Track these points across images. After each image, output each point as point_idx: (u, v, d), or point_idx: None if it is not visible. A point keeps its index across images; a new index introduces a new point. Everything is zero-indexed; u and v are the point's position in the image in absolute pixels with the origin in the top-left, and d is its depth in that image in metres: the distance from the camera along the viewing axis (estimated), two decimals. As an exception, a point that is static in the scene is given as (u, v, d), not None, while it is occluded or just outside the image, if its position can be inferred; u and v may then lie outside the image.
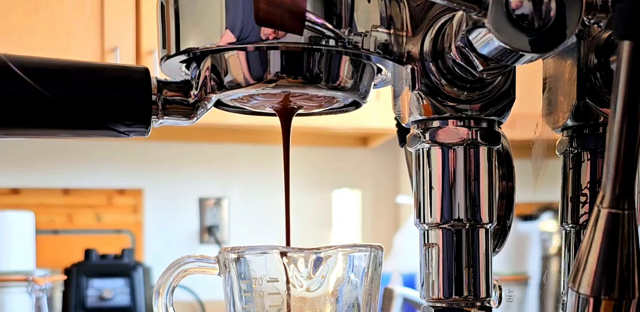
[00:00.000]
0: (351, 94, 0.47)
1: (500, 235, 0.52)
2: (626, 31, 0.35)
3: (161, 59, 0.47)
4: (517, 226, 1.79)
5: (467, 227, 0.47)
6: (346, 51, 0.45)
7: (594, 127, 0.49)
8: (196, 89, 0.47)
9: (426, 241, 0.48)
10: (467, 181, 0.46)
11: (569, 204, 0.51)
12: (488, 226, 0.47)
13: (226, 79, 0.46)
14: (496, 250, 0.52)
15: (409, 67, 0.46)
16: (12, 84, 0.44)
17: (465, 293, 0.47)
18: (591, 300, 0.37)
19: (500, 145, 0.48)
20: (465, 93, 0.46)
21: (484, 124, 0.47)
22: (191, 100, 0.48)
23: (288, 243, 0.51)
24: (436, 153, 0.47)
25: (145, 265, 1.91)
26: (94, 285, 1.82)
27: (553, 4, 0.38)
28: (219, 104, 0.50)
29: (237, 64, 0.45)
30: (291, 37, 0.42)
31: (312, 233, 2.15)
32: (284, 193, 0.51)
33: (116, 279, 1.83)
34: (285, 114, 0.51)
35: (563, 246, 0.52)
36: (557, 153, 0.52)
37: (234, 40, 0.43)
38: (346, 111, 0.52)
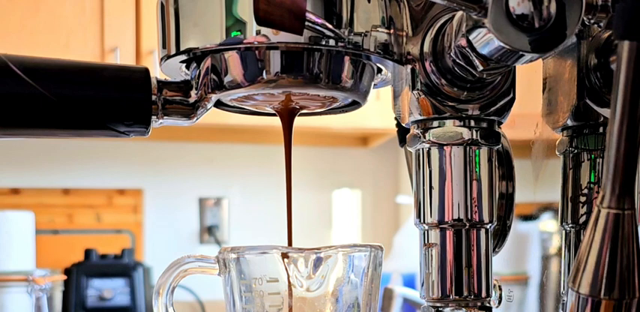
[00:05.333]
0: (352, 94, 0.47)
1: (500, 235, 0.52)
2: (626, 31, 0.35)
3: (161, 59, 0.47)
4: (517, 226, 1.79)
5: (467, 227, 0.47)
6: (346, 51, 0.45)
7: (594, 127, 0.49)
8: (196, 89, 0.47)
9: (426, 241, 0.48)
10: (467, 181, 0.46)
11: (569, 204, 0.51)
12: (488, 226, 0.47)
13: (226, 79, 0.46)
14: (496, 250, 0.52)
15: (409, 67, 0.46)
16: (12, 84, 0.44)
17: (465, 293, 0.47)
18: (591, 300, 0.37)
19: (500, 145, 0.48)
20: (465, 93, 0.46)
21: (484, 124, 0.47)
22: (191, 100, 0.48)
23: (290, 243, 0.51)
24: (436, 153, 0.47)
25: (145, 265, 1.91)
26: (94, 285, 1.82)
27: (553, 4, 0.39)
28: (219, 104, 0.50)
29: (237, 64, 0.45)
30: (291, 37, 0.42)
31: (312, 233, 2.15)
32: (286, 194, 0.51)
33: (116, 279, 1.83)
34: (287, 115, 0.51)
35: (563, 246, 0.52)
36: (557, 153, 0.52)
37: (234, 40, 0.43)
38: (346, 111, 0.52)
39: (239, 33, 0.43)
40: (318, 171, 2.19)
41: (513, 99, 0.47)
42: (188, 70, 0.48)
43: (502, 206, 0.52)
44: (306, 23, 0.41)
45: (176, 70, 0.49)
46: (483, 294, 0.47)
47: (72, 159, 2.04)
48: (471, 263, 0.47)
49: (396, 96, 0.49)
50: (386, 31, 0.45)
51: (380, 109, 1.26)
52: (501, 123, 0.48)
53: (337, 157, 2.23)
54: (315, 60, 0.45)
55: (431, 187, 0.47)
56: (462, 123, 0.46)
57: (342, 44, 0.44)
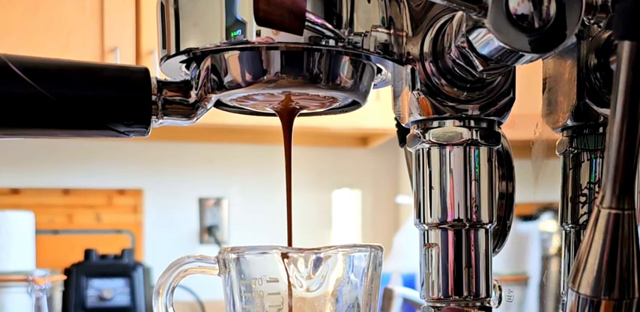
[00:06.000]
0: (351, 94, 0.47)
1: (500, 235, 0.52)
2: (626, 31, 0.35)
3: (161, 59, 0.47)
4: (517, 226, 1.79)
5: (467, 227, 0.47)
6: (346, 51, 0.45)
7: (594, 127, 0.49)
8: (196, 89, 0.47)
9: (426, 241, 0.48)
10: (467, 181, 0.46)
11: (569, 204, 0.51)
12: (488, 226, 0.47)
13: (226, 79, 0.46)
14: (496, 250, 0.52)
15: (409, 67, 0.46)
16: (12, 84, 0.44)
17: (465, 293, 0.47)
18: (591, 300, 0.37)
19: (500, 146, 0.48)
20: (465, 93, 0.46)
21: (484, 124, 0.47)
22: (191, 100, 0.48)
23: (290, 243, 0.51)
24: (436, 153, 0.47)
25: (145, 265, 1.91)
26: (94, 285, 1.82)
27: (553, 4, 0.39)
28: (219, 104, 0.50)
29: (237, 64, 0.45)
30: (291, 37, 0.42)
31: (312, 233, 2.15)
32: (286, 194, 0.51)
33: (116, 279, 1.83)
34: (287, 115, 0.51)
35: (563, 246, 0.52)
36: (557, 153, 0.52)
37: (234, 40, 0.43)
38: (346, 111, 0.52)
39: (239, 33, 0.43)
40: (318, 171, 2.19)
41: (513, 99, 0.47)
42: (188, 70, 0.48)
43: (502, 206, 0.52)
44: (306, 23, 0.41)
45: (176, 70, 0.49)
46: (483, 294, 0.47)
47: (72, 159, 2.04)
48: (470, 263, 0.47)
49: (396, 96, 0.49)
50: (386, 31, 0.45)
51: (380, 109, 1.26)
52: (501, 123, 0.48)
53: (337, 157, 2.23)
54: (315, 60, 0.45)
55: (431, 187, 0.47)
56: (461, 123, 0.46)
57: (342, 44, 0.44)
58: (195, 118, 0.48)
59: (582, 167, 0.50)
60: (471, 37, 0.41)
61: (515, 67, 0.46)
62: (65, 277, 1.71)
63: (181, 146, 2.10)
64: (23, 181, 2.01)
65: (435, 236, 0.47)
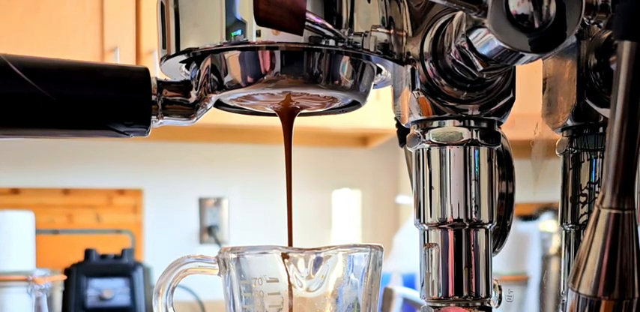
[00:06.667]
0: (351, 94, 0.47)
1: (500, 235, 0.52)
2: (626, 31, 0.35)
3: (161, 59, 0.47)
4: (517, 226, 1.79)
5: (467, 227, 0.47)
6: (346, 51, 0.45)
7: (594, 127, 0.49)
8: (196, 89, 0.47)
9: (426, 241, 0.48)
10: (467, 181, 0.46)
11: (569, 204, 0.51)
12: (488, 226, 0.47)
13: (226, 79, 0.46)
14: (496, 250, 0.52)
15: (409, 67, 0.46)
16: (12, 84, 0.44)
17: (465, 293, 0.47)
18: (591, 300, 0.37)
19: (500, 146, 0.48)
20: (465, 93, 0.46)
21: (484, 124, 0.47)
22: (191, 100, 0.48)
23: (290, 243, 0.51)
24: (436, 153, 0.47)
25: (145, 265, 1.91)
26: (94, 285, 1.82)
27: (553, 4, 0.39)
28: (219, 104, 0.50)
29: (236, 64, 0.45)
30: (291, 37, 0.42)
31: (312, 233, 2.15)
32: (286, 194, 0.51)
33: (116, 279, 1.83)
34: (287, 115, 0.51)
35: (563, 246, 0.52)
36: (557, 153, 0.52)
37: (234, 40, 0.43)
38: (346, 111, 0.52)
39: (239, 33, 0.43)
40: (318, 171, 2.19)
41: (513, 99, 0.47)
42: (188, 70, 0.48)
43: (502, 206, 0.52)
44: (306, 23, 0.41)
45: (176, 70, 0.49)
46: (483, 294, 0.47)
47: (72, 159, 2.04)
48: (470, 263, 0.47)
49: (396, 96, 0.49)
50: (386, 31, 0.45)
51: (380, 109, 1.26)
52: (501, 123, 0.48)
53: (337, 157, 2.23)
54: (315, 60, 0.45)
55: (431, 187, 0.47)
56: (461, 123, 0.46)
57: (342, 44, 0.44)
58: (195, 118, 0.48)
59: (582, 167, 0.50)
60: (470, 37, 0.41)
61: (515, 67, 0.46)
62: (65, 277, 1.71)
63: (181, 146, 2.10)
64: (23, 181, 2.01)
65: (435, 236, 0.47)
